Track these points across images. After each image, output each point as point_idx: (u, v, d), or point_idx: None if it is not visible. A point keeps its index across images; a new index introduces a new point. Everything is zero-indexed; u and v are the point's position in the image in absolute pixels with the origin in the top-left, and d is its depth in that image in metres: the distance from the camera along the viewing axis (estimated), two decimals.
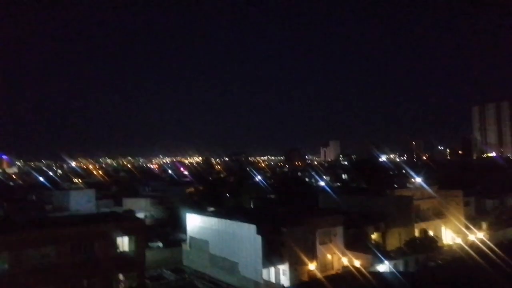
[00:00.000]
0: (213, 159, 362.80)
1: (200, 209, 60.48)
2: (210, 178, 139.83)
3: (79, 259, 33.10)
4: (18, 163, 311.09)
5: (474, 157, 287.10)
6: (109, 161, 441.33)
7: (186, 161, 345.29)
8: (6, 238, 31.23)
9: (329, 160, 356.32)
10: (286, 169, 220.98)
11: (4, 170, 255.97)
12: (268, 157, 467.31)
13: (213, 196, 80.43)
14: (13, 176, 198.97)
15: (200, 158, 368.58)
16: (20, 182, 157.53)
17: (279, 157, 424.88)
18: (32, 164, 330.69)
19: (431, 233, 56.60)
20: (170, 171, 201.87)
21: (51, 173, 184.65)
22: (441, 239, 57.43)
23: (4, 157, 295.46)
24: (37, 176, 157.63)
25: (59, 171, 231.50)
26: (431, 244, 51.17)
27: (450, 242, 57.93)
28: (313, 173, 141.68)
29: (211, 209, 64.01)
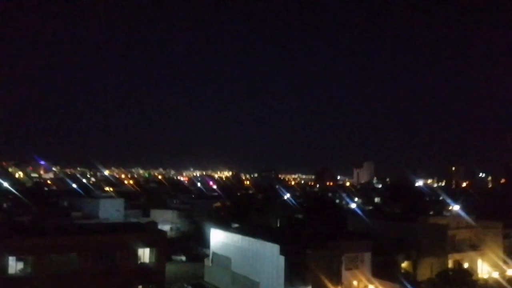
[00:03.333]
0: (242, 174, 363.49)
1: (225, 225, 59.83)
2: (238, 194, 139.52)
3: (100, 268, 33.17)
4: (54, 169, 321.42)
5: None
6: (141, 171, 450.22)
7: (216, 175, 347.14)
8: (31, 242, 31.70)
9: (362, 182, 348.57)
10: (316, 189, 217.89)
11: (40, 175, 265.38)
12: (299, 175, 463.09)
13: (240, 212, 79.70)
14: (48, 181, 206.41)
15: (230, 173, 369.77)
16: (54, 187, 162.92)
17: (310, 176, 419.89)
18: (67, 171, 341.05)
19: (466, 265, 53.39)
20: (199, 185, 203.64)
21: (84, 181, 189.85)
22: (476, 272, 54.04)
23: (42, 162, 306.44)
24: (71, 182, 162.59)
25: (92, 179, 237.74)
26: (465, 277, 48.09)
27: (486, 277, 54.43)
28: (344, 194, 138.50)
29: (236, 225, 63.18)
